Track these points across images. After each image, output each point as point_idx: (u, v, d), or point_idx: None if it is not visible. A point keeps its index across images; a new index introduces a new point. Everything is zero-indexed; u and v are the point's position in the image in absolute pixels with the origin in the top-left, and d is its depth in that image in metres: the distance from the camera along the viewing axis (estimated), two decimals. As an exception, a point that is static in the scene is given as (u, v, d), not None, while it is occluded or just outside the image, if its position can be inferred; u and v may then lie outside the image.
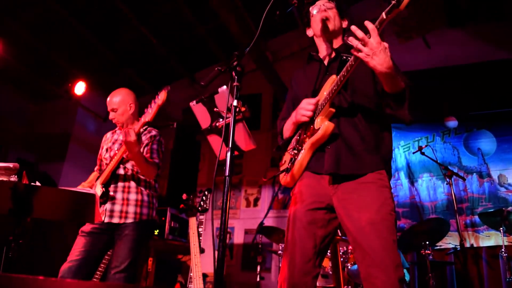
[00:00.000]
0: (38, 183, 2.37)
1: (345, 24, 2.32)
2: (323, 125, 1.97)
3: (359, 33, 1.71)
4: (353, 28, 1.74)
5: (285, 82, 6.42)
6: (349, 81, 2.00)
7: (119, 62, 6.85)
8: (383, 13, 1.68)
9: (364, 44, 1.72)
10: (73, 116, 7.23)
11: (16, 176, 2.40)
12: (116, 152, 3.11)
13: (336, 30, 2.24)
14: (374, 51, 1.71)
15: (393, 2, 1.63)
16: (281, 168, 2.25)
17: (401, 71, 2.03)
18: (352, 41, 1.75)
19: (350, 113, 2.05)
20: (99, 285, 1.93)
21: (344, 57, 2.01)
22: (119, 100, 3.30)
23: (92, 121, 7.51)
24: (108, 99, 3.33)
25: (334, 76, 2.01)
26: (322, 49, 2.32)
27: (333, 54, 2.23)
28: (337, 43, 2.28)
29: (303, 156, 2.09)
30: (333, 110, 2.02)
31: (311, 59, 2.37)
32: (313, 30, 2.31)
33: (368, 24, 1.71)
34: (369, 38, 1.71)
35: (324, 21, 2.19)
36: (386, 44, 1.73)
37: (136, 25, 6.08)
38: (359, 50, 1.75)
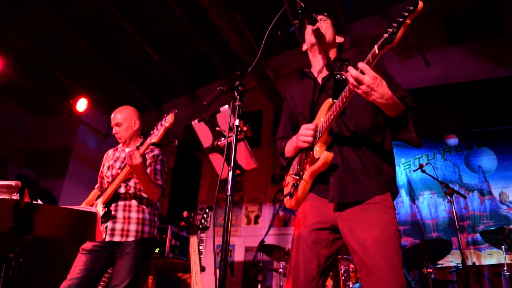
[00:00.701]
0: (40, 201, 2.36)
1: (340, 39, 2.31)
2: (322, 155, 1.95)
3: (353, 72, 1.72)
4: (349, 68, 1.75)
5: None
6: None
7: (120, 78, 6.89)
8: (376, 47, 1.68)
9: (360, 83, 1.73)
10: (75, 132, 7.26)
11: (18, 194, 2.40)
12: (119, 171, 3.10)
13: (329, 41, 2.23)
14: (372, 87, 1.73)
15: (385, 36, 1.63)
16: (285, 189, 2.26)
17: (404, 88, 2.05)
18: (348, 77, 1.76)
19: (351, 137, 2.04)
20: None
21: (338, 76, 2.01)
22: (124, 116, 3.32)
23: (93, 138, 7.53)
24: (112, 114, 3.34)
25: (330, 100, 2.01)
26: (315, 64, 2.31)
27: (327, 72, 2.21)
28: (331, 56, 2.26)
29: (305, 184, 2.09)
30: (331, 138, 2.02)
31: (304, 75, 2.35)
32: (306, 43, 2.30)
33: (360, 64, 1.72)
34: (364, 74, 1.71)
35: (316, 31, 2.18)
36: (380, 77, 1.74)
37: (138, 40, 6.12)
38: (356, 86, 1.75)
